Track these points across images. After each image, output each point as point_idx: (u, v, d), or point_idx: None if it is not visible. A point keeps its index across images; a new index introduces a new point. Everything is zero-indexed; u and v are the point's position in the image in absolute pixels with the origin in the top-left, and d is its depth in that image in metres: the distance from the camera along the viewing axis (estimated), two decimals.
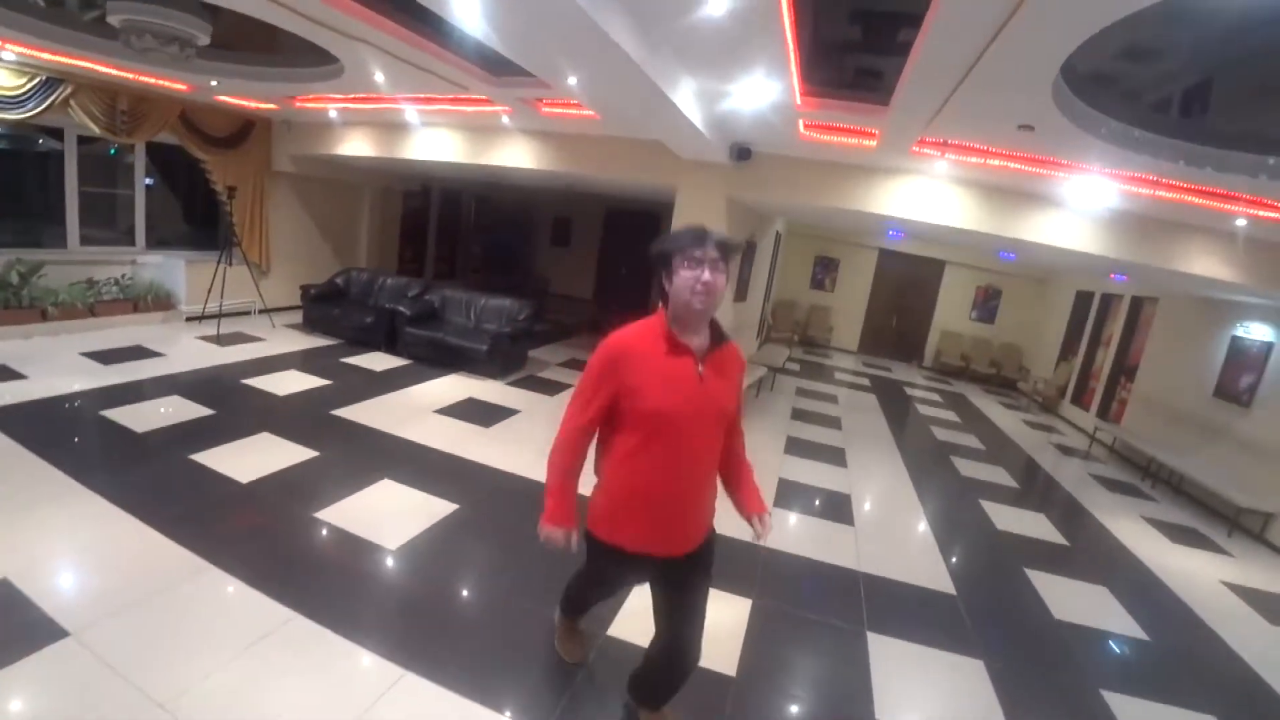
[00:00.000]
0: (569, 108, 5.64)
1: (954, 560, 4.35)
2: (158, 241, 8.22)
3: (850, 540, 4.38)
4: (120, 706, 2.24)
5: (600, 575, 2.32)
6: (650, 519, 1.94)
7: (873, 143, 4.63)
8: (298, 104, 7.04)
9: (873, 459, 6.19)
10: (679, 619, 2.08)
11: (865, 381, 10.29)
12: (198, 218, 8.89)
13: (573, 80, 4.05)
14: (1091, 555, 4.92)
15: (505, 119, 6.33)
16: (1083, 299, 10.41)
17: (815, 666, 3.07)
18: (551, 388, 7.10)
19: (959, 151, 4.50)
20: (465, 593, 3.28)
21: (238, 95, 7.00)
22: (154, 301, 7.54)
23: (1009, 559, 4.56)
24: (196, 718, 2.24)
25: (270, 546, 3.43)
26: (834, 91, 4.01)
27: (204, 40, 4.53)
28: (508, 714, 2.46)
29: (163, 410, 5.07)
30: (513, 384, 7.10)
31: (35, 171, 7.13)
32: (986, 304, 12.87)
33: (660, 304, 1.95)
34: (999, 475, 6.51)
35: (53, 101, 6.12)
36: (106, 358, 6.13)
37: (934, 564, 4.23)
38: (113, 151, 7.66)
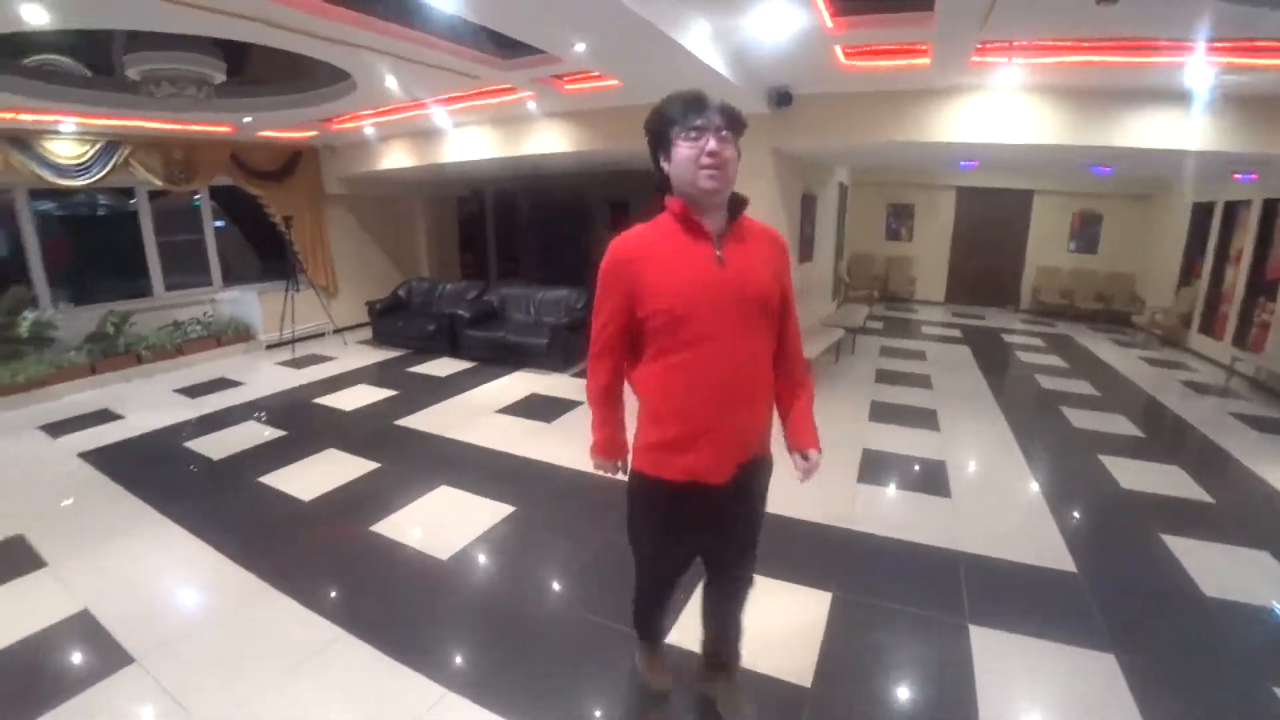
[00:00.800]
0: (590, 80, 5.37)
1: (1073, 530, 3.72)
2: (235, 278, 8.65)
3: (946, 515, 3.86)
4: None
5: (655, 532, 1.86)
6: (696, 435, 1.63)
7: (925, 60, 4.05)
8: (334, 127, 7.12)
9: (969, 418, 5.53)
10: (730, 556, 1.92)
11: (956, 333, 9.36)
12: (267, 250, 9.30)
13: (580, 47, 3.79)
14: (1244, 512, 4.08)
15: (531, 105, 6.13)
16: (1201, 211, 8.97)
17: (907, 670, 2.61)
18: None
19: (1027, 53, 3.85)
20: (516, 603, 3.07)
21: (276, 128, 7.18)
22: (234, 334, 7.92)
23: (1141, 524, 3.84)
24: None
25: (323, 564, 3.41)
26: (868, 5, 3.50)
27: (219, 77, 4.59)
28: None
29: (238, 436, 5.25)
30: (577, 375, 6.92)
31: (127, 229, 7.63)
32: (1085, 232, 11.42)
33: (663, 194, 1.68)
34: (1120, 425, 5.66)
35: (115, 163, 6.53)
36: (194, 392, 6.47)
37: (1048, 537, 3.63)
38: (196, 203, 8.08)
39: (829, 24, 3.55)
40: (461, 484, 4.23)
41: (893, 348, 8.02)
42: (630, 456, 1.82)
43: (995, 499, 4.12)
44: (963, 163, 7.77)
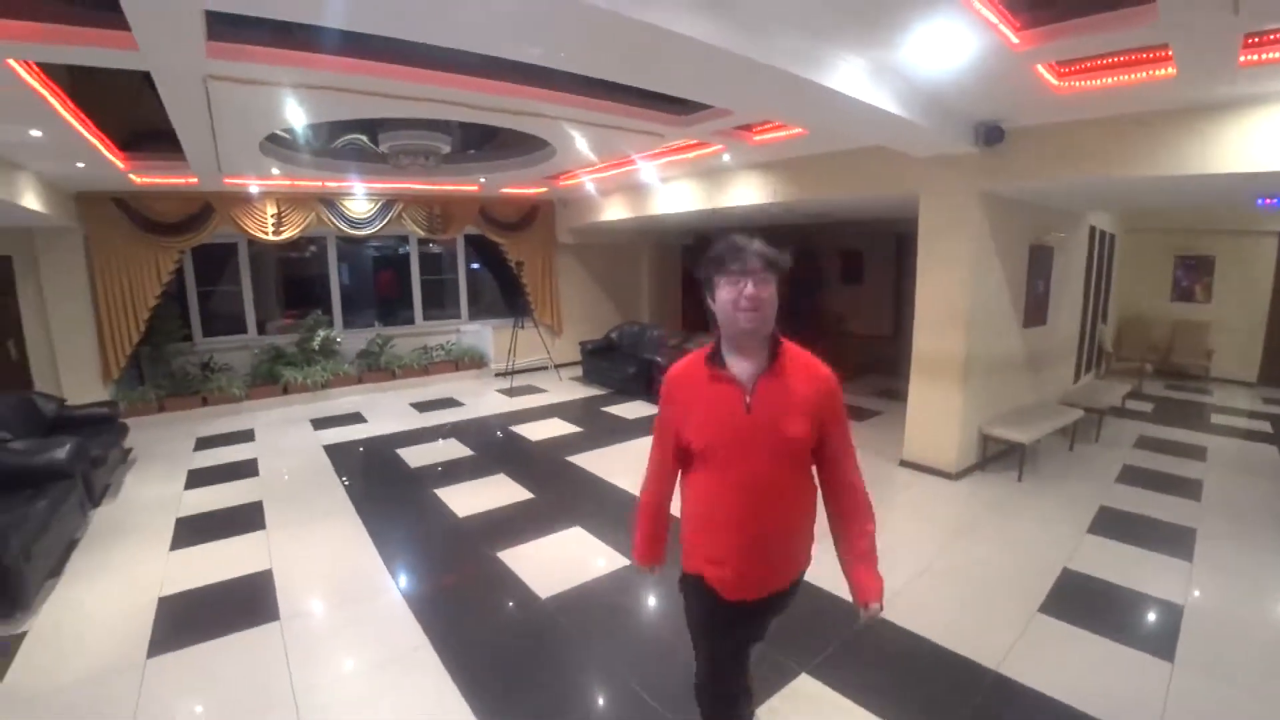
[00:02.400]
0: (778, 130, 5.27)
1: None
2: (482, 313, 10.09)
3: (1158, 686, 2.68)
4: (271, 690, 2.71)
5: (703, 627, 1.93)
6: (722, 553, 1.73)
7: (1168, 69, 3.17)
8: (560, 183, 7.97)
9: (1248, 552, 3.89)
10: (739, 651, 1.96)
11: (1264, 426, 6.80)
12: (510, 291, 10.68)
13: (735, 100, 3.73)
14: None
15: (725, 157, 6.20)
16: None
17: None
18: None
19: None
20: (586, 662, 2.98)
21: (514, 185, 8.26)
22: (470, 361, 9.20)
23: None
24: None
25: (441, 578, 3.75)
26: (1059, 10, 2.86)
27: (445, 149, 5.50)
28: None
29: (438, 450, 6.02)
30: None
31: (401, 270, 9.48)
32: None
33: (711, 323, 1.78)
34: None
35: (390, 217, 8.19)
36: (423, 407, 7.62)
37: None
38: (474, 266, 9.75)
39: (1014, 40, 2.98)
40: (595, 528, 4.27)
41: (1157, 438, 6.16)
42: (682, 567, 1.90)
43: (1253, 680, 2.75)
44: (1261, 199, 5.81)
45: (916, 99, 3.76)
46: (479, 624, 3.24)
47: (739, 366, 1.71)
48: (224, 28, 3.16)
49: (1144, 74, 3.27)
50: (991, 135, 4.31)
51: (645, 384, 8.06)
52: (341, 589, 3.55)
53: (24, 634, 3.09)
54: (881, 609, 1.73)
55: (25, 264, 6.39)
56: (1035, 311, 5.59)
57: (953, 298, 4.90)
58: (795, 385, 1.71)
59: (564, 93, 4.33)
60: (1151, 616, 3.23)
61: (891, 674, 2.75)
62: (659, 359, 8.01)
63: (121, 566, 3.79)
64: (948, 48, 3.09)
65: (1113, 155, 3.99)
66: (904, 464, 5.28)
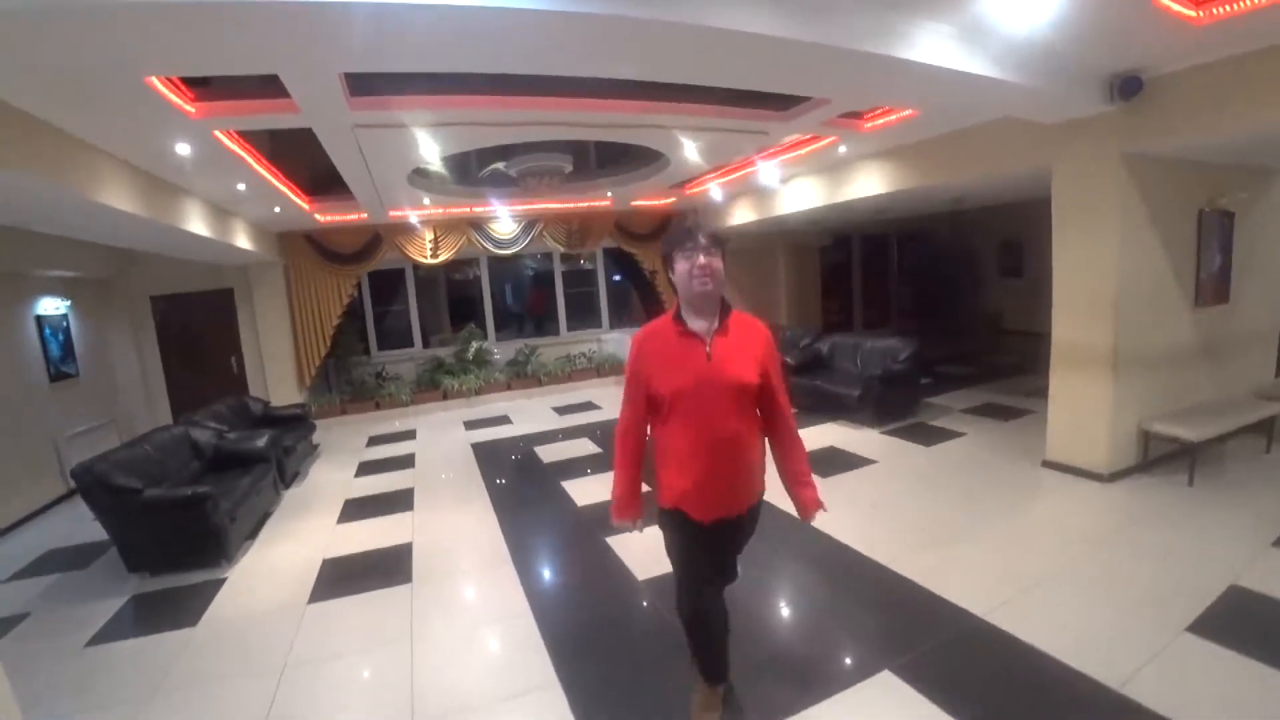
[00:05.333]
0: (888, 115, 5.07)
1: None
2: (625, 321, 10.60)
3: None
4: (393, 631, 3.14)
5: (681, 554, 2.23)
6: (698, 488, 2.06)
7: None
8: (687, 192, 8.18)
9: None
10: (716, 573, 2.28)
11: None
12: (649, 299, 11.06)
13: (827, 87, 3.69)
14: None
15: (841, 149, 6.04)
16: None
17: None
18: (933, 436, 6.00)
19: None
20: (662, 633, 3.09)
21: (644, 197, 8.60)
22: (610, 368, 9.66)
23: None
24: (407, 682, 2.88)
25: (555, 555, 4.14)
26: None
27: (568, 168, 5.93)
28: None
29: (571, 448, 6.46)
30: (890, 432, 6.31)
31: (546, 285, 10.30)
32: None
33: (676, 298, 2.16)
34: None
35: (533, 236, 8.87)
36: (564, 411, 8.17)
37: None
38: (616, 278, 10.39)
39: None
40: None
41: None
42: (657, 500, 2.22)
43: None
44: None
45: (1020, 58, 3.43)
46: (577, 599, 3.49)
47: (697, 325, 2.06)
48: (362, 84, 3.77)
49: None
50: (1128, 88, 3.80)
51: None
52: (465, 561, 3.98)
53: (225, 579, 3.91)
54: (823, 508, 2.19)
55: (243, 294, 7.99)
56: (1211, 289, 4.72)
57: (1096, 277, 4.32)
58: (742, 339, 2.09)
59: (665, 102, 4.55)
60: None
61: (983, 680, 2.53)
62: (788, 359, 7.89)
63: (299, 534, 4.58)
64: None
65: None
66: (1047, 464, 4.73)
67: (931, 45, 3.14)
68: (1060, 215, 4.56)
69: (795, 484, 2.19)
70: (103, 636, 3.37)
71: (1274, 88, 3.37)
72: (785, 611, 3.24)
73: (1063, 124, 4.31)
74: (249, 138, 4.55)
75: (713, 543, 2.17)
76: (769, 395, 2.13)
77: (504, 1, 2.30)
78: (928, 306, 13.05)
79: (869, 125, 5.33)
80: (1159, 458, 4.57)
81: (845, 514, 4.15)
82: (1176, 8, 3.02)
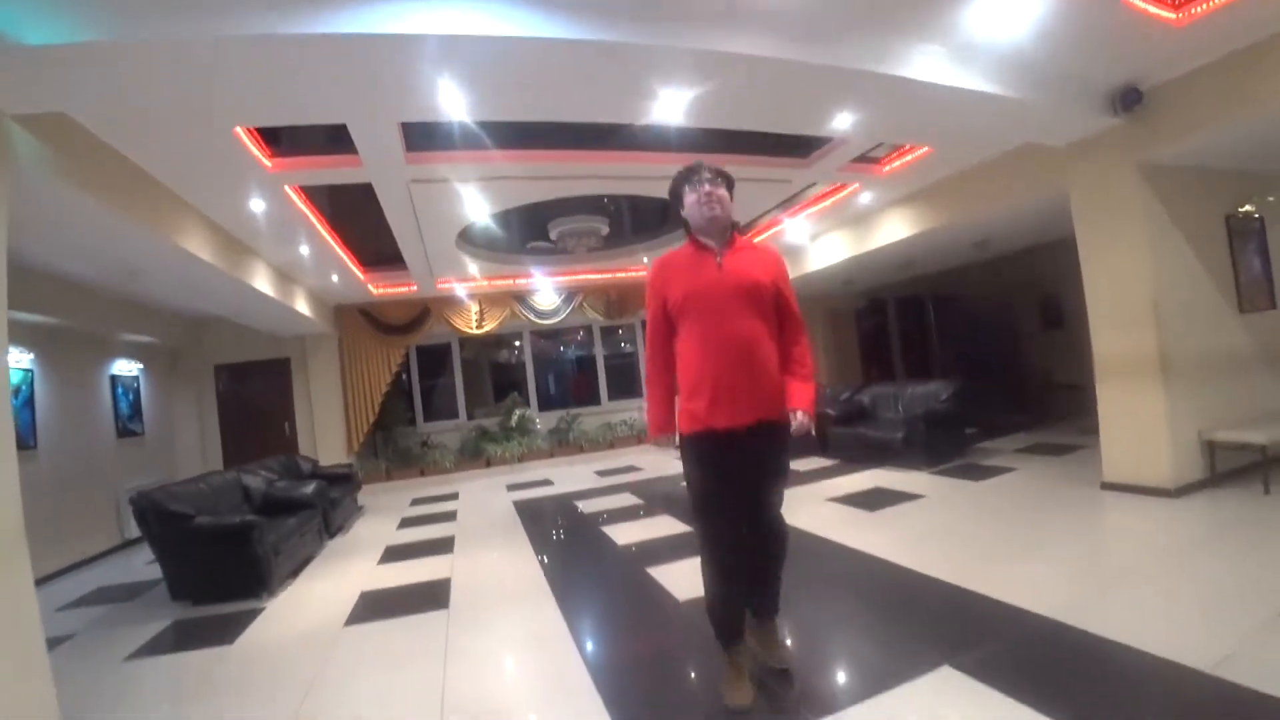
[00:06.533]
0: (904, 155, 5.30)
1: None
2: None
3: None
4: (428, 648, 3.11)
5: (702, 484, 2.24)
6: (713, 389, 2.12)
7: None
8: None
9: None
10: (758, 499, 2.27)
11: None
12: None
13: (840, 120, 3.90)
14: None
15: (865, 197, 6.26)
16: None
17: None
18: (983, 473, 5.74)
19: None
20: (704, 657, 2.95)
21: None
22: None
23: None
24: (439, 692, 2.83)
25: (591, 580, 4.11)
26: None
27: (604, 230, 6.31)
28: None
29: (610, 501, 6.41)
30: (938, 473, 6.09)
31: (590, 370, 10.61)
32: None
33: (685, 231, 2.37)
34: None
35: (573, 307, 9.20)
36: (605, 473, 8.15)
37: None
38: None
39: None
40: None
41: None
42: (678, 430, 2.30)
43: None
44: None
45: (1013, 73, 3.59)
46: (615, 619, 3.41)
47: (708, 243, 2.26)
48: (417, 142, 4.18)
49: None
50: (1128, 99, 3.92)
51: (819, 440, 7.82)
52: (503, 590, 3.91)
53: (263, 609, 3.92)
54: (811, 420, 2.21)
55: (299, 364, 8.49)
56: (1255, 294, 4.59)
57: (1129, 285, 4.27)
58: (754, 256, 2.29)
59: (693, 154, 4.83)
60: None
61: (1050, 670, 2.30)
62: (829, 411, 7.80)
63: (339, 574, 4.59)
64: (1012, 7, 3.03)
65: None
66: (1106, 486, 4.47)
67: (926, 65, 3.34)
68: (1084, 233, 4.59)
69: (794, 378, 2.24)
70: (141, 653, 3.41)
71: (1263, 84, 3.44)
72: (835, 620, 3.06)
73: (1074, 144, 4.44)
74: (314, 200, 5.01)
75: (734, 463, 2.16)
76: (781, 303, 2.26)
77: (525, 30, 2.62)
78: (970, 365, 12.81)
79: (887, 169, 5.57)
80: (1229, 471, 4.29)
81: (894, 541, 3.99)
82: (1154, 10, 3.18)
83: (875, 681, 2.35)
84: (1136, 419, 4.30)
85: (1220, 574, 2.98)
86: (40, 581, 2.39)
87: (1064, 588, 2.96)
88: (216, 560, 3.98)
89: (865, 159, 5.40)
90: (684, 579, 3.69)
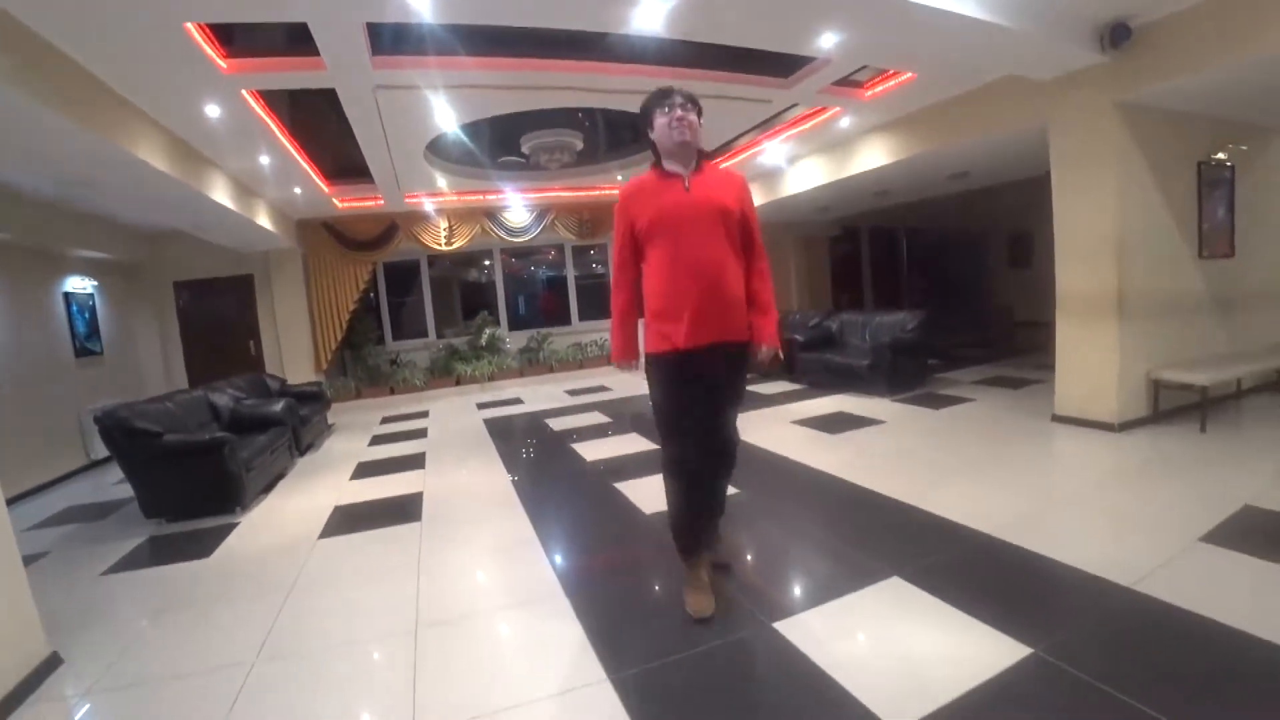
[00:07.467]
0: (887, 80, 5.15)
1: None
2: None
3: None
4: (401, 559, 3.22)
5: (665, 401, 2.32)
6: (680, 310, 2.17)
7: None
8: None
9: None
10: (716, 420, 2.37)
11: None
12: None
13: (825, 40, 3.75)
14: None
15: (845, 122, 6.11)
16: None
17: None
18: (943, 402, 5.97)
19: None
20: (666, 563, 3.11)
21: None
22: None
23: None
24: (413, 597, 2.97)
25: (561, 494, 4.21)
26: None
27: (579, 146, 6.07)
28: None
29: (580, 419, 6.53)
30: (900, 400, 6.30)
31: (559, 285, 10.45)
32: None
33: (652, 154, 2.38)
34: None
35: (545, 225, 8.99)
36: (575, 393, 8.25)
37: None
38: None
39: None
40: None
41: None
42: (642, 355, 2.39)
43: None
44: None
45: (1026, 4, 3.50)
46: (583, 529, 3.54)
47: (675, 168, 2.29)
48: (384, 47, 3.92)
49: None
50: (1118, 35, 3.84)
51: (787, 363, 7.97)
52: (475, 504, 4.03)
53: (237, 524, 4.00)
54: (777, 353, 2.34)
55: (263, 280, 8.23)
56: (1216, 240, 4.71)
57: (1096, 224, 4.34)
58: (719, 180, 2.31)
59: (672, 67, 4.65)
60: None
61: (990, 582, 2.50)
62: (797, 336, 7.92)
63: (312, 490, 4.67)
64: None
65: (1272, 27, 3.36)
66: (1057, 419, 4.71)
67: None
68: (1059, 167, 4.60)
69: (757, 312, 2.33)
70: (118, 568, 3.47)
71: (1258, 20, 3.39)
72: (792, 534, 3.23)
73: (1058, 79, 4.37)
74: (274, 107, 4.71)
75: (697, 380, 2.25)
76: (746, 229, 2.32)
77: None
78: (938, 298, 13.04)
79: (870, 93, 5.43)
80: (1171, 410, 4.54)
81: (852, 462, 4.19)
82: None
83: (830, 589, 2.53)
84: (1090, 356, 4.48)
85: (1150, 502, 3.21)
86: (6, 503, 2.37)
87: (1008, 509, 3.17)
88: (188, 477, 4.00)
89: (848, 81, 5.24)
90: (650, 494, 3.85)
